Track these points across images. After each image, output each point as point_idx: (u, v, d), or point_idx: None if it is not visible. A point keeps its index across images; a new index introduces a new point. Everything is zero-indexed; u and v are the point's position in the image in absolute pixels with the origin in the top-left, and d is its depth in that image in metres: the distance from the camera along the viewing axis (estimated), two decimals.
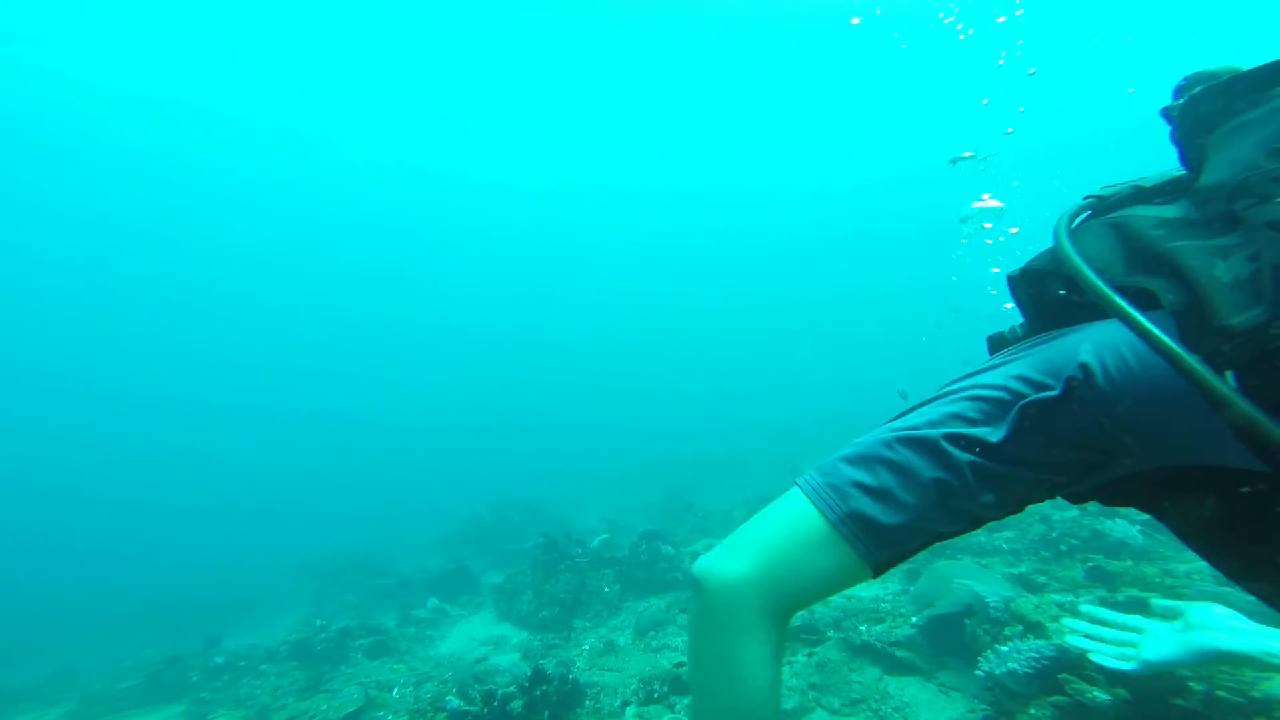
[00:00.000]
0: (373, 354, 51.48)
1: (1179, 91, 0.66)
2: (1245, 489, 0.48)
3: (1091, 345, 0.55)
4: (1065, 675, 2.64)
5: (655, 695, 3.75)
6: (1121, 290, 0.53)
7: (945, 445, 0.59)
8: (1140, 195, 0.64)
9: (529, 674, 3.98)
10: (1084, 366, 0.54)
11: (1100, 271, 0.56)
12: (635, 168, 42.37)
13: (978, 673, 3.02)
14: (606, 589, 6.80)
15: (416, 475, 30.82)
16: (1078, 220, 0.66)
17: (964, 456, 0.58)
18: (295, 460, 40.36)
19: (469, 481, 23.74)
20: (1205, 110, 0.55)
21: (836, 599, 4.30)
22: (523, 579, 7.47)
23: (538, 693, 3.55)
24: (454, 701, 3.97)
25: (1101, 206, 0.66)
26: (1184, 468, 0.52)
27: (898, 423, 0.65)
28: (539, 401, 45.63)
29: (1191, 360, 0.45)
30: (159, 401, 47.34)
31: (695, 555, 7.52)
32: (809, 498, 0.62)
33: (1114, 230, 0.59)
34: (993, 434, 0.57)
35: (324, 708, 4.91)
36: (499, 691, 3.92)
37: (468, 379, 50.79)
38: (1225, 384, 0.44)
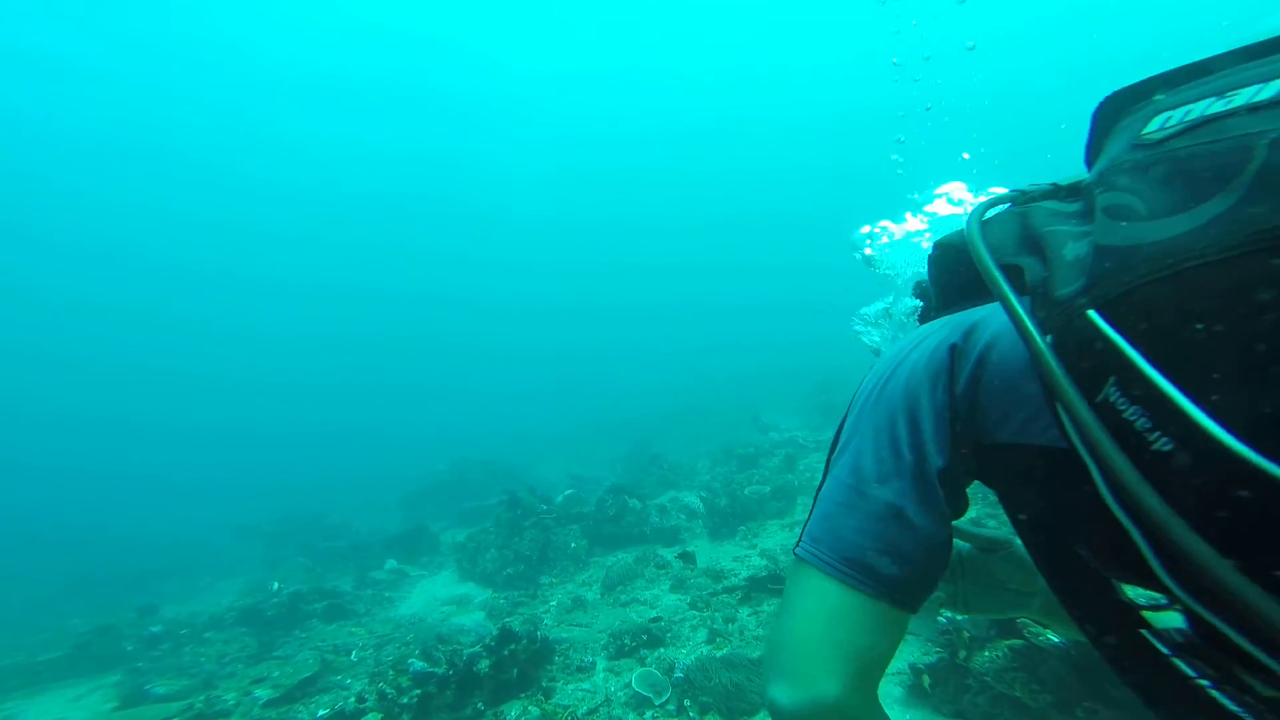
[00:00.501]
0: (323, 318, 48.32)
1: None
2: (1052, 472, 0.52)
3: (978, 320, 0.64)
4: (1022, 620, 2.74)
5: (625, 649, 3.71)
6: (1003, 268, 0.58)
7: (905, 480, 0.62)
8: (1055, 192, 0.68)
9: (495, 633, 3.87)
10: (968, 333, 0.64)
11: (992, 250, 0.61)
12: (588, 140, 40.48)
13: (939, 619, 3.10)
14: (573, 544, 6.75)
15: (371, 439, 29.78)
16: (995, 210, 0.70)
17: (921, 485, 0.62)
18: (242, 426, 38.07)
19: (427, 444, 23.13)
20: (1108, 113, 0.59)
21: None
22: (486, 537, 7.31)
23: (506, 651, 3.43)
24: (417, 664, 3.81)
25: (1021, 199, 0.70)
26: (1020, 449, 0.56)
27: (849, 469, 0.67)
28: (497, 364, 44.63)
29: (1025, 320, 0.50)
30: (93, 366, 43.01)
31: (661, 508, 7.59)
32: (839, 579, 0.61)
33: (1017, 218, 0.65)
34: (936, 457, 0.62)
35: (276, 674, 4.67)
36: (465, 651, 3.79)
37: (424, 342, 48.79)
38: (1043, 343, 0.48)
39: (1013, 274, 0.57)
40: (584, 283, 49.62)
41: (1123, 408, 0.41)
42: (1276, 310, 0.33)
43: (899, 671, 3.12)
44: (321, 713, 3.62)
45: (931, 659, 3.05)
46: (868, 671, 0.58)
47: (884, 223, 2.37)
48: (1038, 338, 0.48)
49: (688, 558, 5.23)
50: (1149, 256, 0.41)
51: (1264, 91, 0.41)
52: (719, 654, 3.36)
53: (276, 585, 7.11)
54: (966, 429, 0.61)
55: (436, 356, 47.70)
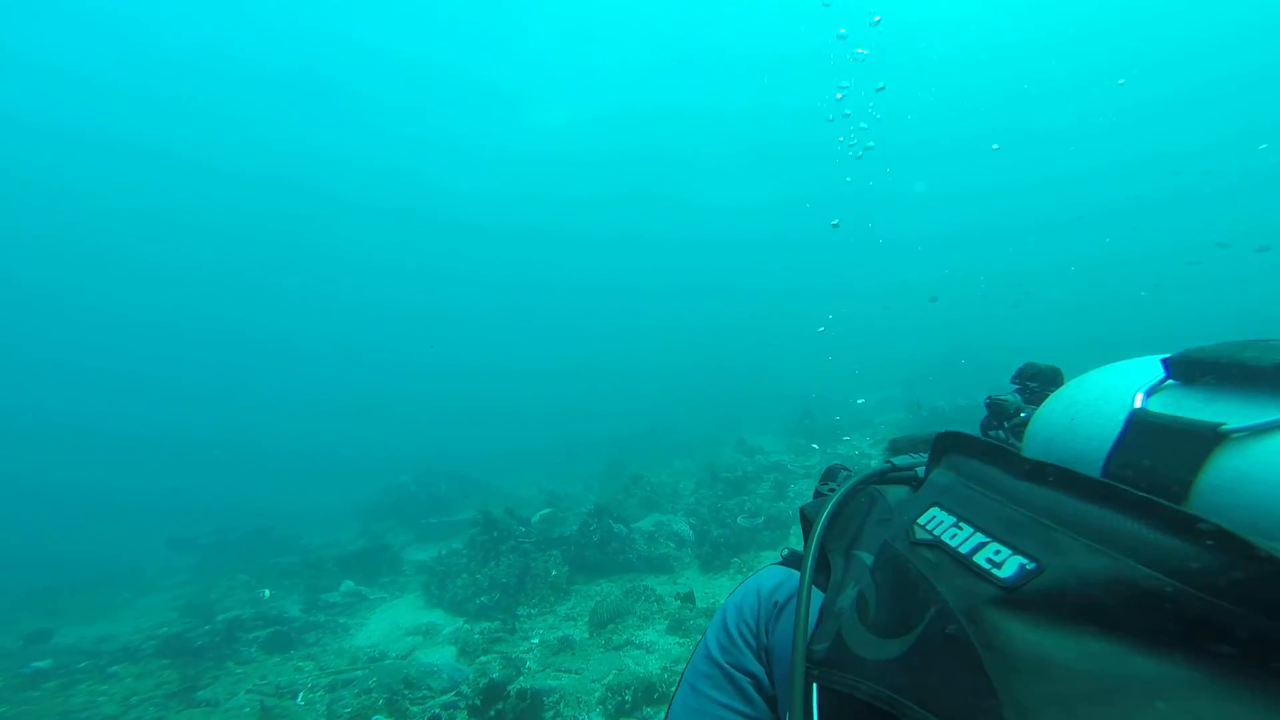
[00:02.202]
0: (280, 322, 45.62)
1: (1017, 375, 0.76)
2: None
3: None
4: None
5: (625, 707, 3.29)
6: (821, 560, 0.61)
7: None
8: (910, 478, 0.68)
9: (475, 683, 3.39)
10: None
11: (822, 543, 0.61)
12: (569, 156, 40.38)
13: None
14: (554, 571, 6.26)
15: (329, 450, 28.03)
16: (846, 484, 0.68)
17: None
18: (184, 434, 35.26)
19: (389, 457, 21.88)
20: (946, 446, 0.57)
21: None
22: (457, 560, 6.73)
23: (492, 713, 2.96)
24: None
25: (878, 477, 0.68)
26: None
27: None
28: (466, 377, 43.16)
29: (799, 662, 0.50)
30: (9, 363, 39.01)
31: (648, 534, 7.20)
32: None
33: (865, 503, 0.65)
34: None
35: None
36: (435, 701, 3.30)
37: (389, 353, 46.75)
38: (799, 684, 0.49)
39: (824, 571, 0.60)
40: (557, 297, 48.90)
41: None
42: None
43: None
44: None
45: None
46: None
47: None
48: (799, 683, 0.49)
49: (687, 598, 4.85)
50: (856, 670, 0.44)
51: (962, 540, 0.42)
52: None
53: (209, 609, 6.30)
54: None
55: (402, 368, 45.86)
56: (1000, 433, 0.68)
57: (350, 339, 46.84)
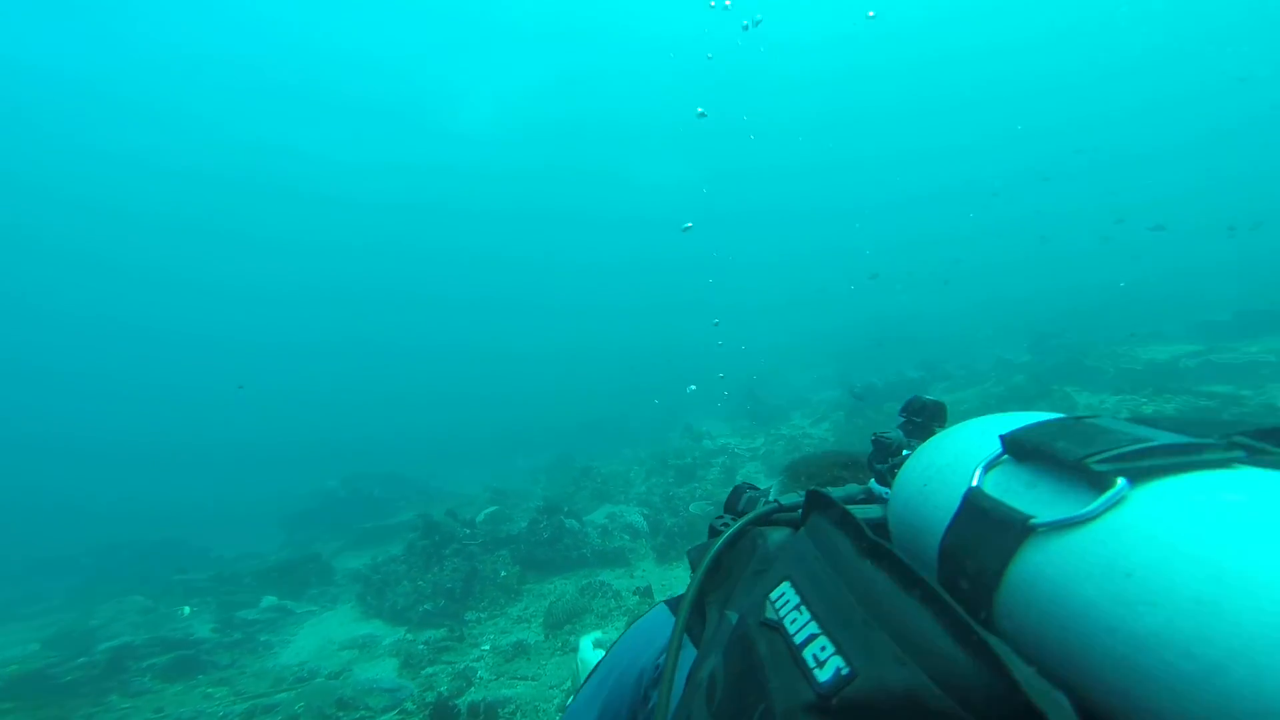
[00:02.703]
0: (190, 307, 40.43)
1: (904, 408, 0.77)
2: None
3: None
4: None
5: None
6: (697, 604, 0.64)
7: None
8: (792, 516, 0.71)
9: (415, 694, 3.11)
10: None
11: (707, 579, 0.64)
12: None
13: None
14: (503, 572, 5.98)
15: (242, 453, 25.40)
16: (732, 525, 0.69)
17: None
18: (63, 429, 30.61)
19: (312, 458, 20.18)
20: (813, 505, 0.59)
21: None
22: (396, 567, 6.27)
23: None
24: None
25: (761, 517, 0.69)
26: None
27: None
28: (392, 366, 40.58)
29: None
30: None
31: (601, 527, 7.05)
32: None
33: (749, 544, 0.66)
34: None
35: None
36: None
37: (306, 342, 42.86)
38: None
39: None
40: (489, 277, 46.64)
41: None
42: None
43: None
44: None
45: None
46: None
47: None
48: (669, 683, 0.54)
49: (645, 592, 4.77)
50: None
51: (800, 627, 0.45)
52: None
53: (87, 637, 5.44)
54: None
55: (320, 358, 42.25)
56: (883, 466, 0.71)
57: (266, 325, 42.62)
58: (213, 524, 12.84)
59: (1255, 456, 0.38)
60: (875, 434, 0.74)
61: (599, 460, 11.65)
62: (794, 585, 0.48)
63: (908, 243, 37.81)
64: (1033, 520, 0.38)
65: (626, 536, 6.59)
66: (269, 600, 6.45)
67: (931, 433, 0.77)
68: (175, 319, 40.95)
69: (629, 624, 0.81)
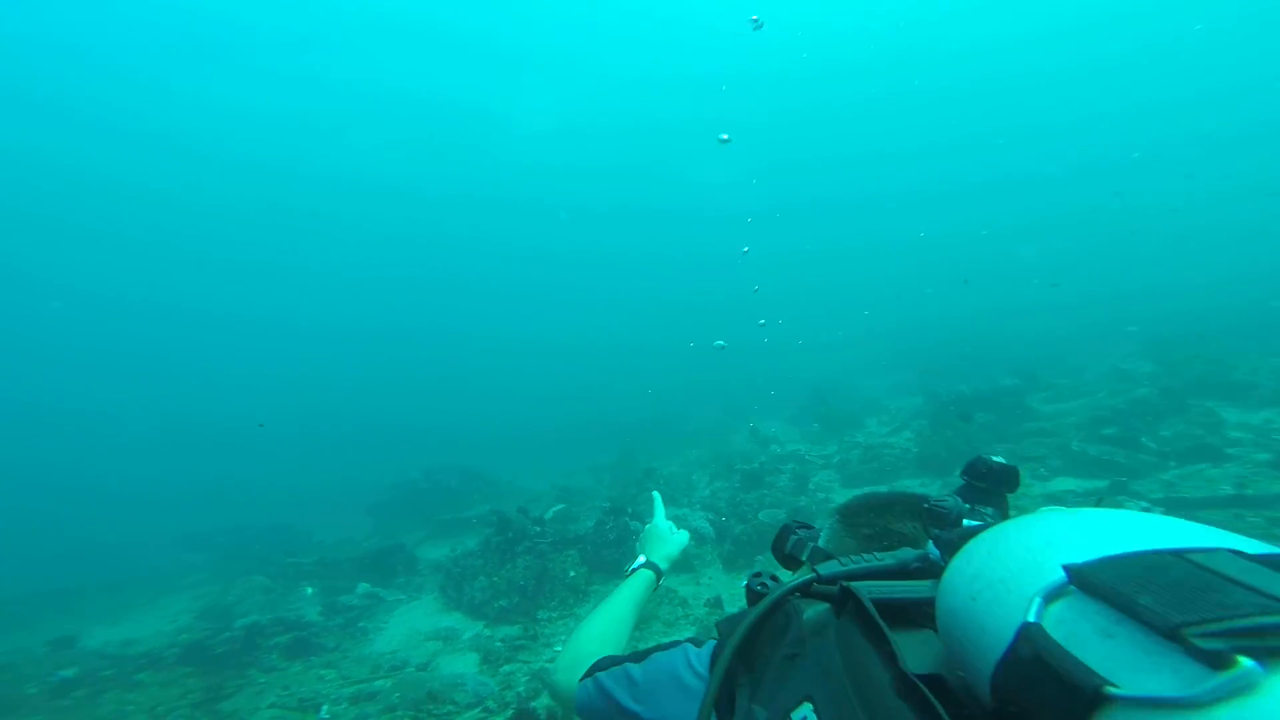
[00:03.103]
0: (280, 305, 45.24)
1: (967, 468, 0.74)
2: None
3: None
4: None
5: None
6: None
7: None
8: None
9: (496, 693, 3.30)
10: None
11: (737, 659, 0.63)
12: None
13: None
14: (572, 573, 6.17)
15: (333, 438, 28.04)
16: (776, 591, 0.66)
17: None
18: (190, 423, 35.34)
19: (393, 445, 21.87)
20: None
21: None
22: (473, 561, 6.65)
23: None
24: None
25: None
26: None
27: None
28: (469, 363, 42.89)
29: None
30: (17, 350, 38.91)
31: None
32: None
33: (782, 621, 0.63)
34: None
35: None
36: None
37: (388, 335, 46.39)
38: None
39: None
40: (551, 272, 47.90)
41: None
42: None
43: None
44: None
45: None
46: None
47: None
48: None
49: (714, 603, 4.75)
50: None
51: None
52: None
53: (228, 612, 6.27)
54: None
55: (402, 349, 45.48)
56: (941, 532, 0.64)
57: (343, 320, 46.24)
58: (314, 507, 14.26)
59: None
60: (929, 501, 0.68)
61: (661, 460, 11.71)
62: (815, 707, 0.47)
63: (995, 235, 34.65)
64: (1109, 689, 0.30)
65: (692, 541, 6.57)
66: (364, 587, 7.07)
67: (1000, 501, 0.72)
68: (281, 310, 45.50)
69: (657, 649, 0.80)
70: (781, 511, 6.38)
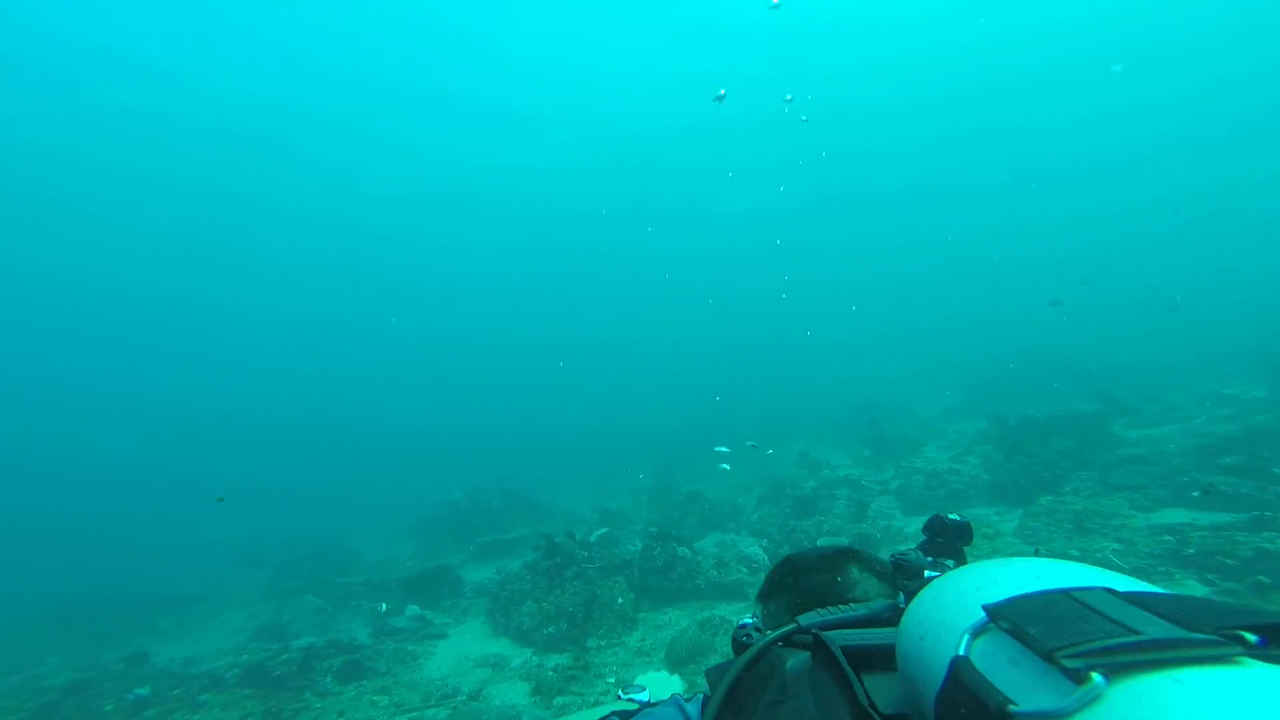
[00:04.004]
0: (329, 348, 47.69)
1: (927, 526, 0.85)
2: None
3: None
4: None
5: None
6: None
7: None
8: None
9: None
10: None
11: (724, 708, 0.67)
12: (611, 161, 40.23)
13: None
14: (620, 599, 5.99)
15: (376, 453, 28.94)
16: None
17: None
18: (240, 442, 37.29)
19: (436, 462, 22.34)
20: None
21: None
22: (520, 586, 6.57)
23: None
24: None
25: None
26: None
27: None
28: (505, 389, 43.72)
29: None
30: (88, 392, 42.25)
31: (714, 557, 6.82)
32: None
33: (766, 669, 0.68)
34: None
35: None
36: None
37: (435, 368, 48.03)
38: None
39: None
40: (587, 314, 48.32)
41: None
42: None
43: None
44: None
45: None
46: None
47: None
48: None
49: None
50: None
51: None
52: None
53: (284, 635, 6.37)
54: None
55: (440, 381, 46.69)
56: (907, 583, 0.73)
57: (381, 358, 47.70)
58: (359, 528, 14.59)
59: (1257, 652, 0.36)
60: (894, 554, 0.77)
61: (700, 484, 11.42)
62: None
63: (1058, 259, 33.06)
64: (1010, 707, 0.37)
65: (744, 569, 6.29)
66: (412, 609, 7.07)
67: (957, 554, 0.81)
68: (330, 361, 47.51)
69: (646, 707, 0.81)
70: (844, 539, 6.03)
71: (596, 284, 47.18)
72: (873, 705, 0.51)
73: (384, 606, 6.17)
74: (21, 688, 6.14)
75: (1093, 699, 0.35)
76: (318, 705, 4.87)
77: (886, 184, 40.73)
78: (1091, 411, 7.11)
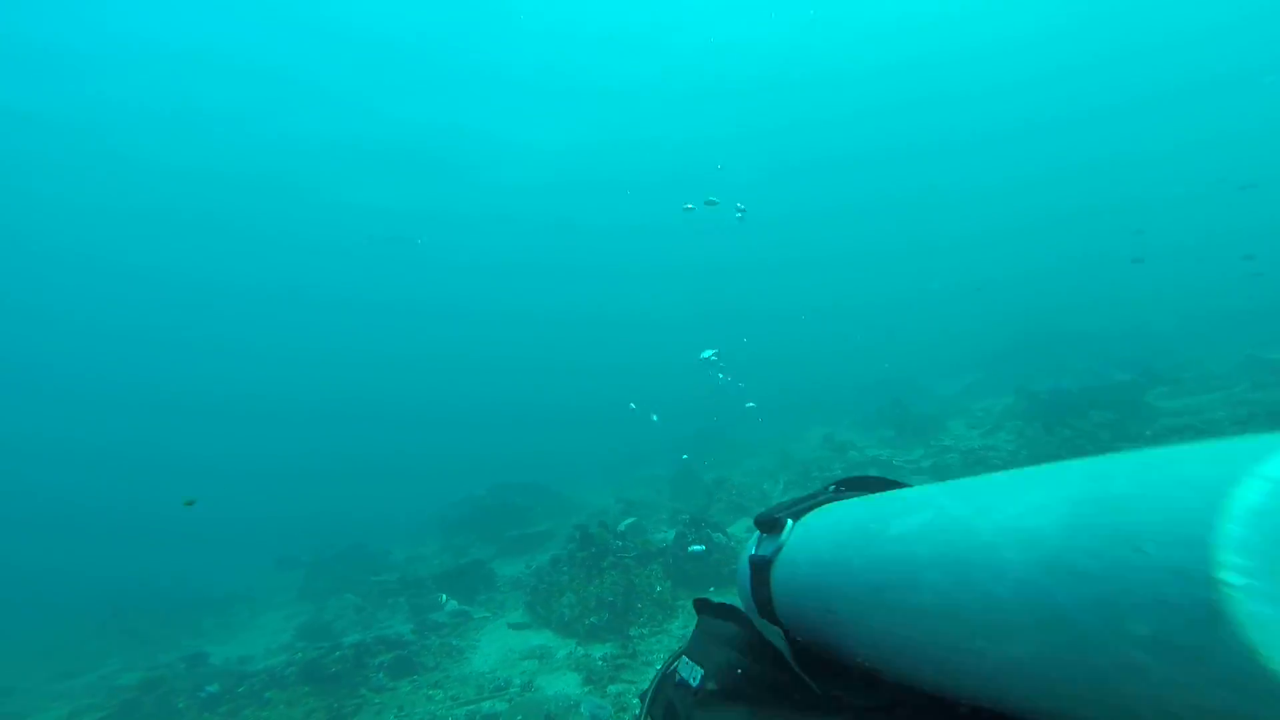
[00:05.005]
0: (345, 336, 47.99)
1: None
2: None
3: None
4: None
5: None
6: None
7: None
8: None
9: (612, 715, 3.21)
10: None
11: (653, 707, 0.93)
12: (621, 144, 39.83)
13: None
14: (658, 587, 6.07)
15: (395, 459, 29.21)
16: None
17: None
18: (264, 445, 37.79)
19: (453, 463, 22.54)
20: None
21: None
22: (557, 577, 6.65)
23: None
24: None
25: None
26: None
27: None
28: (517, 382, 43.88)
29: None
30: (115, 385, 42.92)
31: (745, 542, 6.84)
32: None
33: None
34: None
35: None
36: None
37: (444, 360, 48.26)
38: None
39: None
40: (592, 288, 48.25)
41: None
42: None
43: None
44: None
45: None
46: None
47: None
48: None
49: None
50: None
51: None
52: None
53: (334, 631, 6.51)
54: None
55: (451, 373, 46.98)
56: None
57: (400, 345, 47.88)
58: (385, 526, 14.79)
59: (840, 493, 0.82)
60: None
61: (719, 469, 11.48)
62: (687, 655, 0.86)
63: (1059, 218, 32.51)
64: (749, 554, 0.82)
65: None
66: (451, 604, 7.20)
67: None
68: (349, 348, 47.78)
69: None
70: None
71: (608, 259, 46.92)
72: None
73: (444, 598, 6.26)
74: (97, 686, 6.37)
75: (789, 530, 0.74)
76: (376, 701, 4.99)
77: (906, 139, 40.03)
78: (1128, 381, 7.01)
